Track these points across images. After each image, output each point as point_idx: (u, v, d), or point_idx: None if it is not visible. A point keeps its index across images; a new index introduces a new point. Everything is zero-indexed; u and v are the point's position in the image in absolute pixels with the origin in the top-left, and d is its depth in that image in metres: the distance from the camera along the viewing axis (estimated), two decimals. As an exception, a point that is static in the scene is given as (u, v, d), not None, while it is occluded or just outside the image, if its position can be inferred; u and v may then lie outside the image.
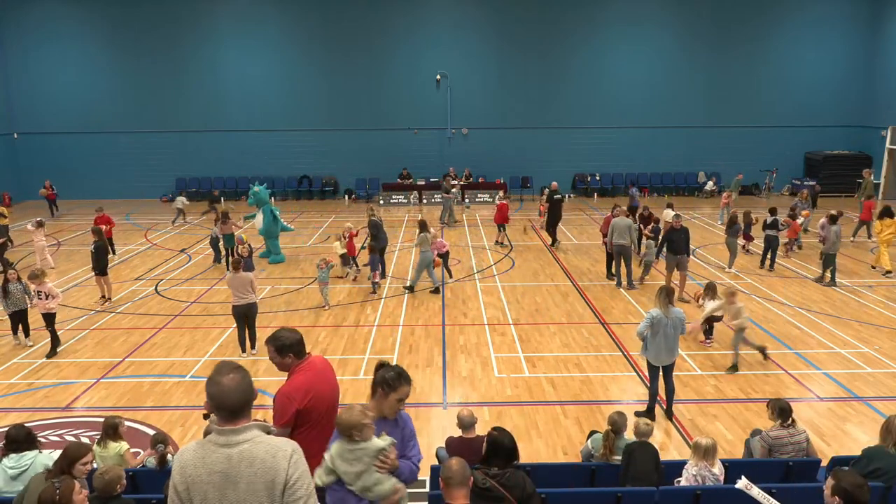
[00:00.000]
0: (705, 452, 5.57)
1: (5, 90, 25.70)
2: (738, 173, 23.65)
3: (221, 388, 2.84)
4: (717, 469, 5.58)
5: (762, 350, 10.11)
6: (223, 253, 16.05)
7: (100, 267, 13.07)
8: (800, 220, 17.21)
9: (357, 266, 15.17)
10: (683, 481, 5.62)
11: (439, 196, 22.81)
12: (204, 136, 26.22)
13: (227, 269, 14.29)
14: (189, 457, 2.86)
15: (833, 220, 13.73)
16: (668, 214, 17.29)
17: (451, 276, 14.60)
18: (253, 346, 10.58)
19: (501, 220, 18.04)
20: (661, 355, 8.15)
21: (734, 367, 9.80)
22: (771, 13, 25.56)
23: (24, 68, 25.55)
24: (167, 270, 15.89)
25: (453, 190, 21.67)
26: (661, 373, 8.34)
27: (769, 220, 15.32)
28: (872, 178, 21.24)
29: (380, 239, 14.64)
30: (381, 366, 4.06)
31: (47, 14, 25.13)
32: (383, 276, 14.63)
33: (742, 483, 4.26)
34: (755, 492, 4.21)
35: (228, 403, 2.84)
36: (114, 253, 16.77)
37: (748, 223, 16.57)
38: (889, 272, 14.72)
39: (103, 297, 13.43)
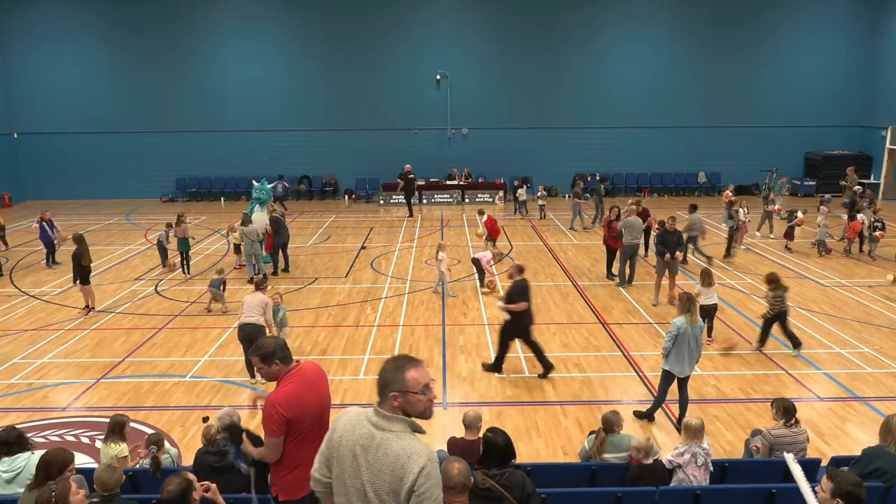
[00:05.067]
0: (695, 432, 5.78)
1: (5, 90, 25.69)
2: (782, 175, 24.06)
3: (383, 367, 3.13)
4: (706, 443, 5.84)
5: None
6: (176, 256, 15.84)
7: (81, 275, 12.47)
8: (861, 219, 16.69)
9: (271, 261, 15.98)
10: (675, 459, 5.77)
11: (542, 199, 22.34)
12: (204, 136, 26.21)
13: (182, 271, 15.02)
14: (344, 421, 3.13)
15: (693, 208, 15.42)
16: (741, 213, 17.23)
17: (481, 284, 14.22)
18: None
19: (493, 236, 16.38)
20: (684, 366, 7.94)
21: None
22: (771, 13, 25.55)
23: (24, 68, 25.54)
24: (167, 270, 15.88)
25: (585, 195, 20.30)
26: (674, 383, 8.14)
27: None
28: (855, 175, 21.12)
29: (281, 234, 15.29)
30: None
31: (47, 14, 25.12)
32: (286, 269, 15.66)
33: (789, 457, 4.69)
34: (797, 469, 4.44)
35: (379, 380, 3.08)
36: None
37: (791, 225, 16.89)
38: None
39: (87, 306, 12.80)
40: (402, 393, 3.00)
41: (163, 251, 15.91)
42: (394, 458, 2.91)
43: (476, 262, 14.17)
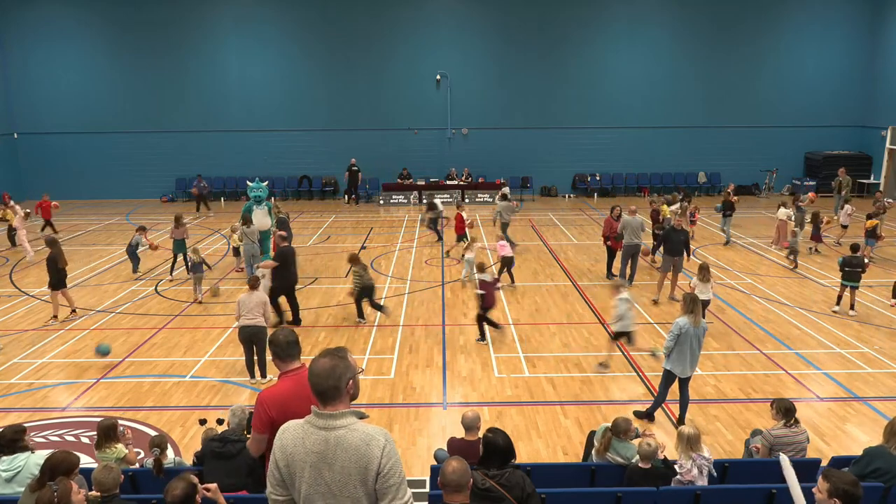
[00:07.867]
0: (693, 442, 5.66)
1: (5, 90, 25.69)
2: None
3: (312, 370, 3.06)
4: (707, 452, 5.77)
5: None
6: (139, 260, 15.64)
7: (56, 279, 11.96)
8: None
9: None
10: (685, 476, 5.60)
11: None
12: (204, 136, 26.21)
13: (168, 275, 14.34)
14: (289, 437, 3.07)
15: (504, 197, 17.98)
16: (783, 213, 17.09)
17: (512, 281, 14.32)
18: (263, 374, 9.67)
19: (461, 232, 16.91)
20: (685, 366, 7.92)
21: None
22: (771, 13, 25.56)
23: (24, 68, 25.54)
24: (167, 270, 15.88)
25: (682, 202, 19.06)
26: (675, 383, 8.13)
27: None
28: (847, 176, 20.95)
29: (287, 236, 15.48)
30: None
31: (48, 14, 25.12)
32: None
33: (784, 460, 4.88)
34: (789, 472, 4.61)
35: (314, 385, 3.04)
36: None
37: (817, 224, 16.61)
38: None
39: (55, 316, 12.24)
40: (353, 377, 3.10)
41: (133, 257, 15.20)
42: (354, 450, 2.95)
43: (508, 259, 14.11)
